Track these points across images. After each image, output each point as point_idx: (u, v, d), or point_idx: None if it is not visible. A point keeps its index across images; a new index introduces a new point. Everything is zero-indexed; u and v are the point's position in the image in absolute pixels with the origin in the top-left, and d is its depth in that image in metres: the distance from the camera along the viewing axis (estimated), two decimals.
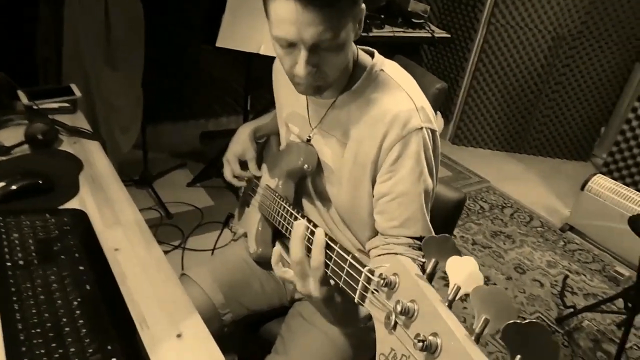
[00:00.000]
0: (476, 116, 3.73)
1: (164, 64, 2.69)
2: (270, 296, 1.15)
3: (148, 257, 0.93)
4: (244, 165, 1.27)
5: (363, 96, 0.92)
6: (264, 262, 1.15)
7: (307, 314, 1.06)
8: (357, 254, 0.64)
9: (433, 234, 0.91)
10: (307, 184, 1.08)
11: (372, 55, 0.96)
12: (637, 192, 2.58)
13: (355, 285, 0.57)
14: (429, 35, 3.19)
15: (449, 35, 3.44)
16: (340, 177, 0.98)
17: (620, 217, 2.58)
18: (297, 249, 0.70)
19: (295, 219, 0.87)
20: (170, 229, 2.36)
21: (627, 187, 2.62)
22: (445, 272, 0.46)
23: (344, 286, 0.61)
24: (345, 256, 0.61)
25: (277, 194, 1.03)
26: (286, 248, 1.17)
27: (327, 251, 0.66)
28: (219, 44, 2.19)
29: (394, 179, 0.89)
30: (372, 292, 0.54)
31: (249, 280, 1.13)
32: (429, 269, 0.48)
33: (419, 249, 0.90)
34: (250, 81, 2.64)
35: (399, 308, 0.44)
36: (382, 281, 0.49)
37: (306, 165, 1.00)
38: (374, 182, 0.94)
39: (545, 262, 2.58)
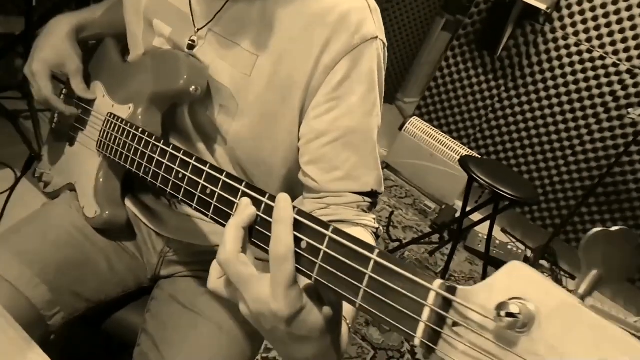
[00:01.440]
0: None
1: None
2: (123, 277, 0.79)
3: None
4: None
5: None
6: (112, 230, 0.78)
7: (184, 298, 0.76)
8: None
9: (382, 186, 0.71)
10: (182, 113, 0.74)
11: None
12: (444, 134, 2.88)
13: (409, 312, 0.32)
14: None
15: None
16: (243, 106, 0.68)
17: (430, 156, 2.86)
18: (289, 235, 0.40)
19: (173, 160, 0.54)
20: None
21: (436, 129, 2.90)
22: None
23: (370, 308, 0.34)
24: (366, 253, 0.34)
25: (133, 127, 0.67)
26: (145, 210, 0.81)
27: (304, 236, 0.39)
28: None
29: (337, 110, 0.64)
30: (453, 328, 0.30)
31: (89, 258, 0.75)
32: (583, 288, 0.27)
33: (369, 208, 0.69)
34: None
35: None
36: (516, 320, 0.26)
37: (193, 87, 0.66)
38: (301, 116, 0.67)
39: None
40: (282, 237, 0.39)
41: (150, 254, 0.82)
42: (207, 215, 0.50)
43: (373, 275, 0.34)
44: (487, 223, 2.16)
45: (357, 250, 0.35)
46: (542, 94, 2.66)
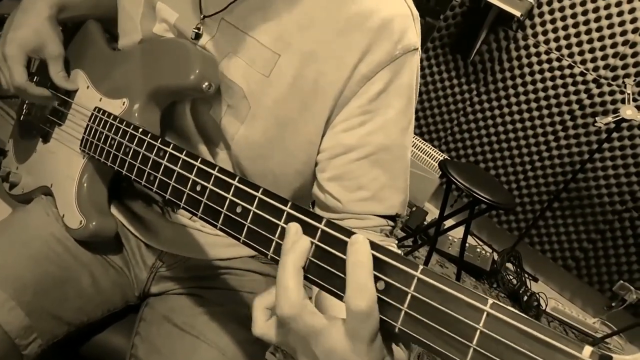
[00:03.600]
0: None
1: None
2: (108, 295, 0.69)
3: None
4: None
5: None
6: (98, 242, 0.69)
7: (180, 318, 0.67)
8: None
9: (405, 210, 0.66)
10: (183, 111, 0.66)
11: None
12: (415, 136, 2.88)
13: None
14: None
15: None
16: (256, 110, 0.60)
17: None
18: (371, 283, 0.34)
19: (188, 168, 0.47)
20: None
21: None
22: None
23: None
24: (474, 303, 0.28)
25: (131, 126, 0.59)
26: (134, 218, 0.71)
27: (382, 275, 0.33)
28: None
29: (371, 124, 0.58)
30: None
31: (70, 275, 0.65)
32: None
33: (391, 232, 0.63)
34: None
35: None
36: None
37: (206, 84, 0.58)
38: (326, 127, 0.61)
39: None
40: (365, 286, 0.33)
41: (139, 269, 0.73)
42: (238, 240, 0.43)
43: (486, 331, 0.28)
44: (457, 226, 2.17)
45: (460, 298, 0.29)
46: (513, 99, 2.71)
